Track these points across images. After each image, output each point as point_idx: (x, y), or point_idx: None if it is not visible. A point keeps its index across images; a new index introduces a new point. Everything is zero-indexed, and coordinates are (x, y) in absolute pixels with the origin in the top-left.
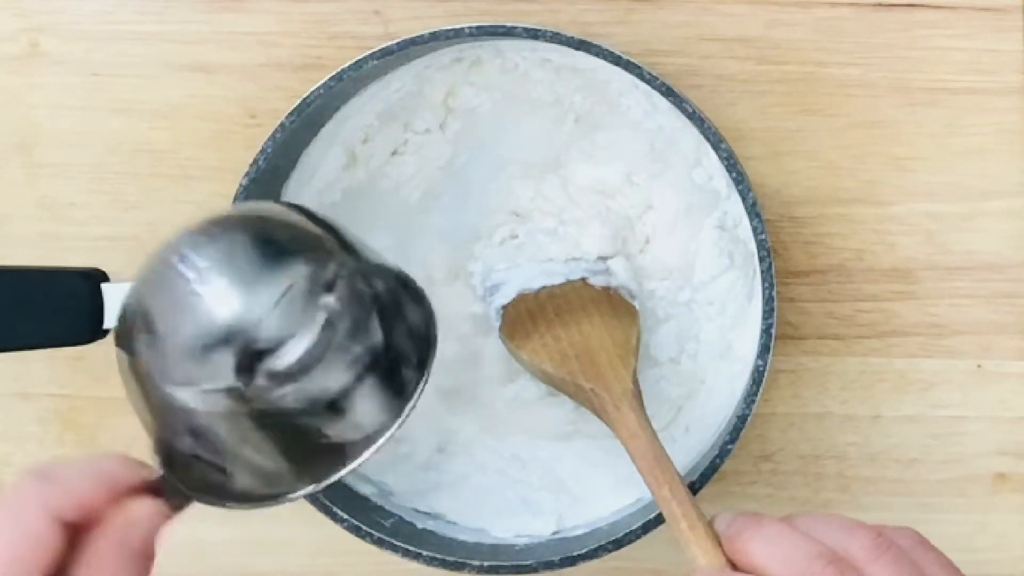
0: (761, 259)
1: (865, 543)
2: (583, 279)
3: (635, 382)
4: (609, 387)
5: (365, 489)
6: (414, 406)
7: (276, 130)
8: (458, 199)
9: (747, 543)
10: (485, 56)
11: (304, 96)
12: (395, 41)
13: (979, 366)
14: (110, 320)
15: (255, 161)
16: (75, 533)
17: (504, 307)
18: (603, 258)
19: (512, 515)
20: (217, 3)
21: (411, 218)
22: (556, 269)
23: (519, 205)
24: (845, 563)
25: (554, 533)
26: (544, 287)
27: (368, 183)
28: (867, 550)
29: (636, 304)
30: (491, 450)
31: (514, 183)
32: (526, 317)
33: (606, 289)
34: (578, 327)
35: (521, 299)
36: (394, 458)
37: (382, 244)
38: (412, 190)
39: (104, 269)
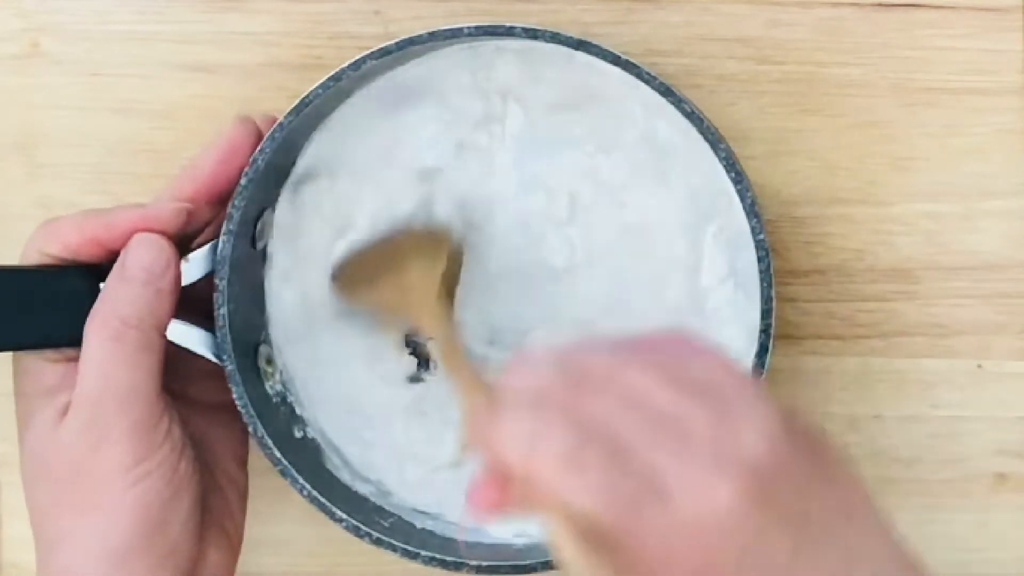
0: (760, 259)
1: (612, 349)
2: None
3: (441, 295)
4: (414, 304)
5: (364, 489)
6: None
7: (275, 130)
8: None
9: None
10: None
11: (303, 96)
12: (395, 41)
13: (979, 366)
14: None
15: (254, 161)
16: None
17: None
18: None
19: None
20: (217, 3)
21: None
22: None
23: None
24: (590, 375)
25: None
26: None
27: None
28: (615, 356)
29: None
30: None
31: None
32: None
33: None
34: (397, 272)
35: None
36: (394, 457)
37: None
38: None
39: (104, 269)
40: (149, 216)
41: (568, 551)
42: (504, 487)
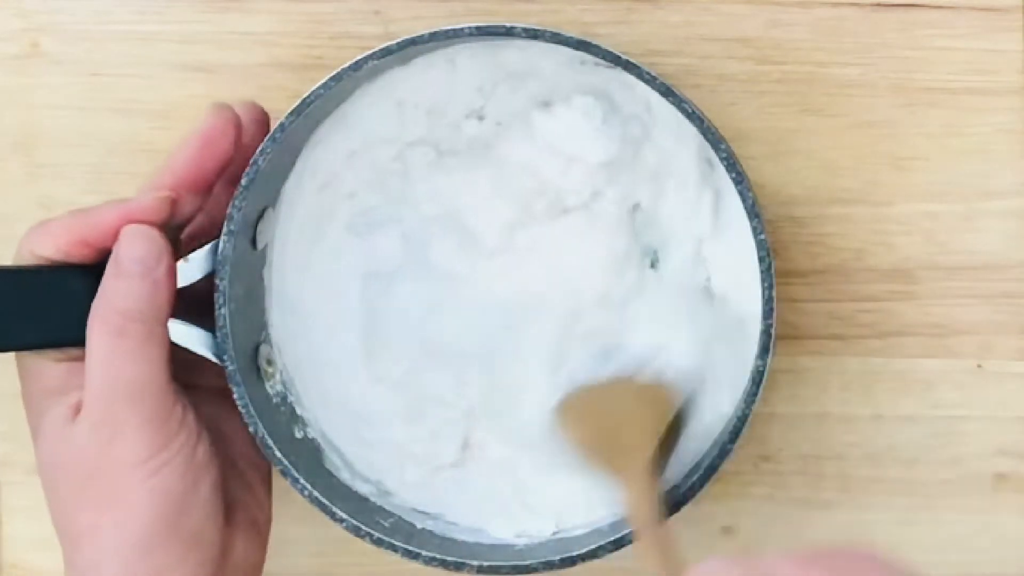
0: (761, 259)
1: (791, 562)
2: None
3: (653, 462)
4: (624, 465)
5: (364, 488)
6: None
7: (275, 130)
8: None
9: None
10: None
11: (303, 96)
12: (395, 41)
13: (979, 366)
14: None
15: (254, 161)
16: None
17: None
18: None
19: (512, 515)
20: (217, 3)
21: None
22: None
23: None
24: None
25: (554, 533)
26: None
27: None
28: (794, 568)
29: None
30: (491, 450)
31: None
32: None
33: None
34: (615, 421)
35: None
36: (394, 457)
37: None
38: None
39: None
40: (133, 209)
41: None
42: None
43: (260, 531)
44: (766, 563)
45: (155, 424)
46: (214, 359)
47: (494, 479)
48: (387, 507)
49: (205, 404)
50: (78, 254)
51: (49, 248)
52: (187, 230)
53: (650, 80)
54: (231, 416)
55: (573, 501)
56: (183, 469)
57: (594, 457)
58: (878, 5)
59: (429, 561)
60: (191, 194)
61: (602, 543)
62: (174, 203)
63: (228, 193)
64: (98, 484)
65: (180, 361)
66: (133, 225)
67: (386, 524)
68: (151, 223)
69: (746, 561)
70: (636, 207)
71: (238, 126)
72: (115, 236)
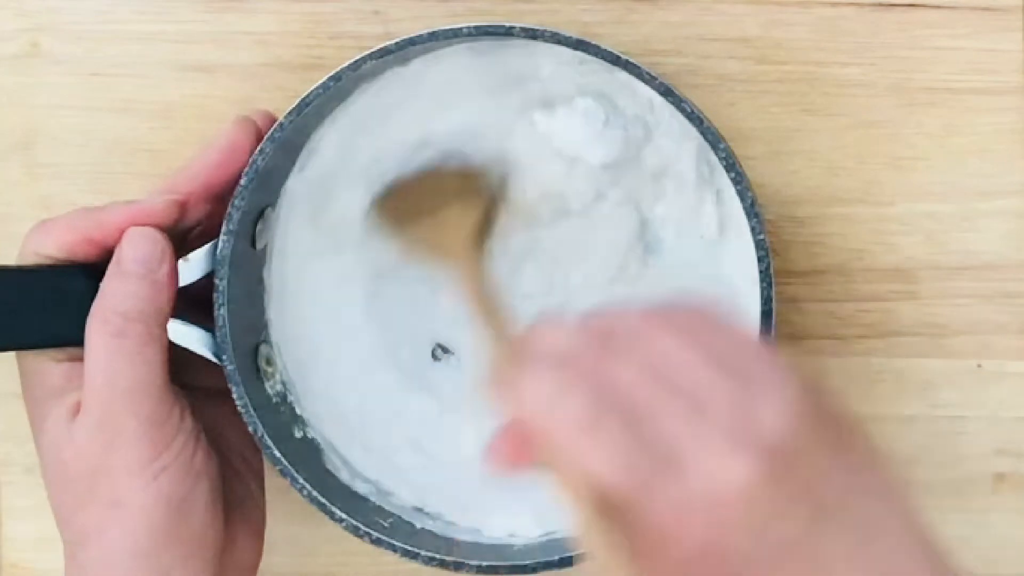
0: (761, 259)
1: (639, 315)
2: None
3: (475, 237)
4: (448, 246)
5: (364, 488)
6: None
7: (275, 130)
8: None
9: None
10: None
11: (303, 96)
12: (394, 41)
13: (979, 366)
14: None
15: (254, 161)
16: None
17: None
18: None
19: (511, 515)
20: (217, 3)
21: None
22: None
23: None
24: (617, 336)
25: (553, 533)
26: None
27: None
28: (642, 321)
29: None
30: None
31: None
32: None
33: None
34: (436, 209)
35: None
36: (394, 457)
37: None
38: None
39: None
40: (141, 211)
41: (580, 515)
42: (523, 443)
43: (257, 530)
44: (611, 315)
45: (154, 426)
46: (213, 359)
47: (494, 479)
48: (387, 507)
49: (205, 405)
50: (82, 252)
51: (53, 246)
52: (194, 232)
53: (650, 80)
54: (227, 416)
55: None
56: (183, 471)
57: (417, 245)
58: (878, 5)
59: (428, 561)
60: (203, 201)
61: None
62: (183, 207)
63: (228, 193)
64: (100, 487)
65: (180, 361)
66: (137, 227)
67: (386, 524)
68: (158, 225)
69: (589, 316)
70: (638, 208)
71: (260, 140)
72: (120, 236)
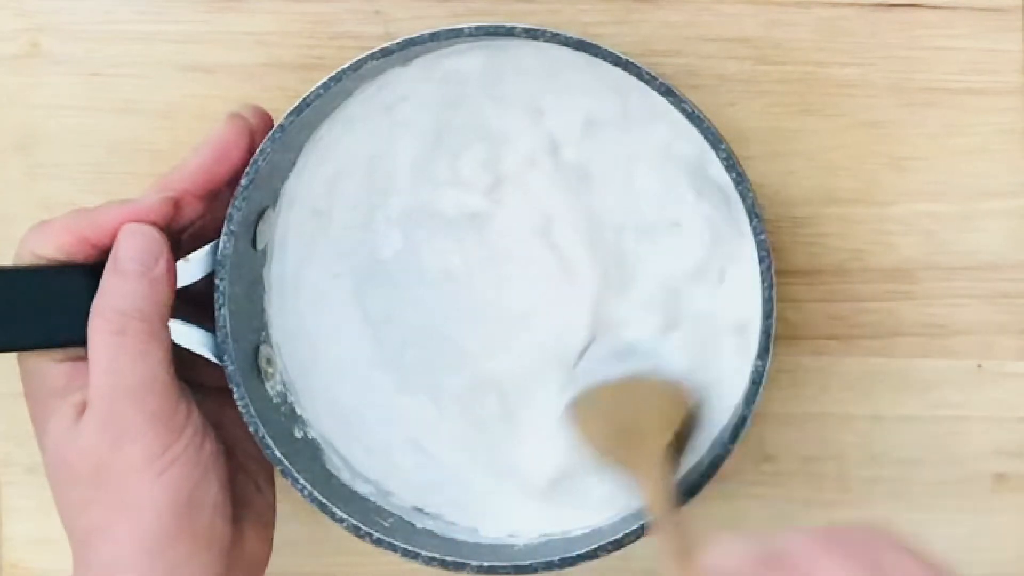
0: (761, 259)
1: (807, 540)
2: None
3: (668, 454)
4: (638, 459)
5: (364, 489)
6: None
7: (275, 130)
8: None
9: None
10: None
11: (303, 96)
12: (395, 41)
13: (979, 366)
14: None
15: (254, 162)
16: None
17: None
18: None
19: (511, 515)
20: (217, 3)
21: None
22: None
23: None
24: (784, 562)
25: (553, 533)
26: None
27: None
28: (810, 547)
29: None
30: (491, 451)
31: None
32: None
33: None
34: (629, 420)
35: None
36: (394, 457)
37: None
38: None
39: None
40: (135, 210)
41: None
42: None
43: (266, 525)
44: (781, 539)
45: (161, 422)
46: (214, 359)
47: (494, 480)
48: (387, 507)
49: (208, 401)
50: (79, 253)
51: (50, 247)
52: (189, 231)
53: (650, 80)
54: (230, 412)
55: (574, 502)
56: (191, 466)
57: (607, 454)
58: (878, 5)
59: (429, 561)
60: (197, 199)
61: (602, 543)
62: (177, 205)
63: (228, 193)
64: (108, 483)
65: (183, 359)
66: (132, 224)
67: (386, 524)
68: (153, 223)
69: (761, 538)
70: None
71: (252, 136)
72: (116, 235)
